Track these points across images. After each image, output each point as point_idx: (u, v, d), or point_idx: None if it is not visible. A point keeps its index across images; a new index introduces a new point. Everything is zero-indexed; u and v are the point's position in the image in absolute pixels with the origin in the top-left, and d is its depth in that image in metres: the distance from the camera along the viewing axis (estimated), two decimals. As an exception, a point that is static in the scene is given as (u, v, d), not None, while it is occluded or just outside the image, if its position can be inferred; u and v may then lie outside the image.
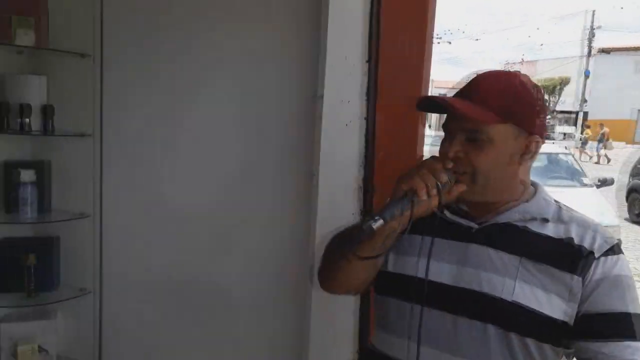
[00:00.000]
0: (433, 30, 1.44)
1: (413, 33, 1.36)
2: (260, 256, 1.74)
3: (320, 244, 1.51)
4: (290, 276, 1.70)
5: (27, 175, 1.83)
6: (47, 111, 1.84)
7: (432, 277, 0.94)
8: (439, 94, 1.12)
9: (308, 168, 1.59)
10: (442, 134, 0.96)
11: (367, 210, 1.45)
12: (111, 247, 1.97)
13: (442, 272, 0.94)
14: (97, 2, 1.81)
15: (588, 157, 17.58)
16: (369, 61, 1.46)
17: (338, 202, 1.50)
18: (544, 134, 0.95)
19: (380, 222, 0.84)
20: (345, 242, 0.99)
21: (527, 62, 28.77)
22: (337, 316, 1.52)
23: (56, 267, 1.98)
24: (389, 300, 1.01)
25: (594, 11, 26.27)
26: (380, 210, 0.86)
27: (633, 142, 22.03)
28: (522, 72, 1.01)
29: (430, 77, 1.54)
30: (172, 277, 1.89)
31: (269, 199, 1.72)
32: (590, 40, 26.04)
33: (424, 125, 1.47)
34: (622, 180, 8.83)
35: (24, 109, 1.79)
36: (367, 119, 1.47)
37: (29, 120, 1.81)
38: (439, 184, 0.88)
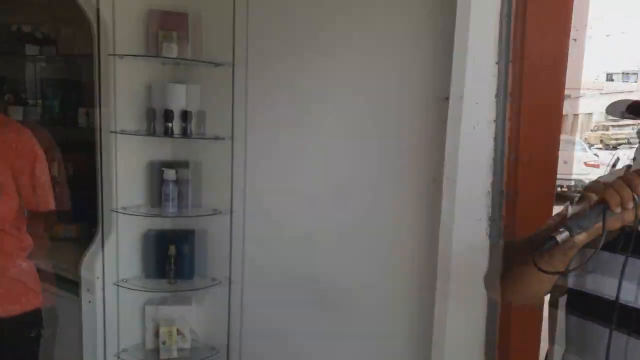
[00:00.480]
0: (570, 30, 1.35)
1: (556, 34, 1.29)
2: (384, 261, 1.74)
3: (444, 250, 1.50)
4: (413, 282, 1.68)
5: (169, 174, 2.03)
6: (186, 116, 2.02)
7: (626, 299, 0.87)
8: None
9: (433, 171, 1.56)
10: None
11: (500, 216, 1.40)
12: (242, 241, 2.11)
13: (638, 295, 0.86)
14: (232, 16, 1.95)
15: None
16: (498, 62, 1.41)
17: (463, 207, 1.46)
18: None
19: (565, 234, 0.79)
20: (526, 249, 0.94)
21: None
22: (464, 325, 1.48)
23: (193, 259, 2.17)
24: (582, 322, 0.94)
25: None
26: (566, 222, 0.81)
27: None
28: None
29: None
30: (301, 273, 1.97)
31: (394, 204, 1.72)
32: None
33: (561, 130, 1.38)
34: None
35: (168, 114, 1.99)
36: (497, 121, 1.42)
37: (172, 125, 2.01)
38: (636, 197, 0.80)
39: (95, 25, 1.87)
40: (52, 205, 1.65)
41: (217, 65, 2.02)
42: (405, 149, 1.68)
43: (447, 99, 1.48)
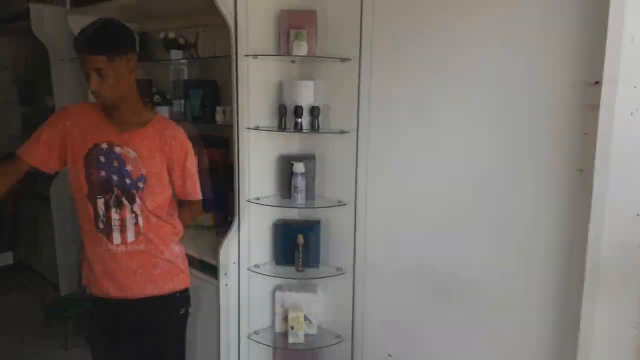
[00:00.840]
0: None
1: None
2: (520, 256, 1.67)
3: (594, 249, 1.39)
4: (554, 280, 1.58)
5: (299, 167, 2.12)
6: (314, 112, 2.10)
7: None
8: None
9: (577, 163, 1.46)
10: None
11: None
12: (366, 233, 2.15)
13: None
14: (359, 12, 1.98)
15: None
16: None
17: (616, 202, 1.34)
18: None
19: None
20: None
21: None
22: (615, 328, 1.37)
23: (318, 248, 2.25)
24: None
25: None
26: None
27: None
28: None
29: None
30: (425, 264, 1.96)
31: (530, 195, 1.63)
32: None
33: None
34: None
35: (298, 110, 2.08)
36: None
37: (301, 120, 2.09)
38: None
39: (233, 29, 2.01)
40: (200, 195, 1.81)
41: (343, 60, 2.06)
42: (543, 138, 1.58)
43: (597, 83, 1.37)
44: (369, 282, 2.17)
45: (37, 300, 3.51)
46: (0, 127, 4.26)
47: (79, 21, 2.87)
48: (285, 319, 2.26)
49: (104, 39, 1.53)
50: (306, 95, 2.12)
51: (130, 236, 1.67)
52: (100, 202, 1.64)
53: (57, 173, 1.87)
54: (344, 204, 2.16)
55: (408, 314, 2.05)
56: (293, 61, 2.21)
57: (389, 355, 2.12)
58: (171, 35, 2.55)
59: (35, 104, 3.93)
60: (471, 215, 1.81)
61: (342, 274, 2.20)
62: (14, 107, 4.24)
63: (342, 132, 2.11)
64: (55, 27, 3.14)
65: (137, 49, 1.73)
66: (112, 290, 1.70)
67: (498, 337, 1.77)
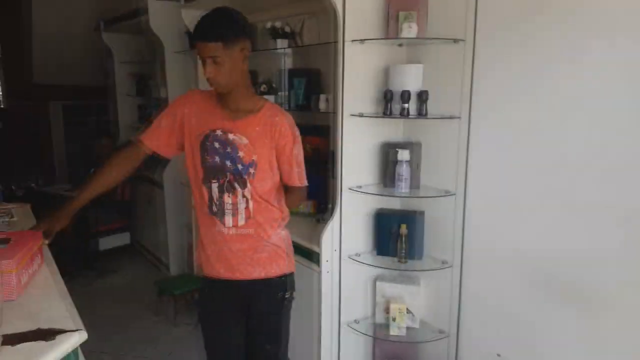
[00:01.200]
0: None
1: None
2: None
3: None
4: None
5: (404, 155, 2.06)
6: (422, 97, 2.02)
7: None
8: None
9: None
10: None
11: None
12: (474, 225, 2.04)
13: None
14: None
15: None
16: None
17: None
18: None
19: None
20: None
21: None
22: None
23: (422, 239, 2.18)
24: None
25: None
26: None
27: None
28: None
29: None
30: (537, 262, 1.83)
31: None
32: None
33: None
34: None
35: (405, 95, 2.01)
36: None
37: (408, 106, 2.02)
38: None
39: (341, 14, 1.98)
40: (306, 182, 1.81)
41: (456, 41, 1.96)
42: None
43: None
44: (476, 276, 2.06)
45: (151, 278, 3.79)
46: (120, 117, 4.65)
47: (193, 15, 3.02)
48: (387, 310, 2.22)
49: (220, 27, 1.57)
50: (414, 79, 2.05)
51: (241, 220, 1.72)
52: (215, 187, 1.70)
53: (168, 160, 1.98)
54: (452, 194, 2.06)
55: (519, 315, 1.91)
56: (400, 44, 2.14)
57: (498, 355, 2.01)
58: (278, 24, 2.59)
59: (149, 95, 4.22)
60: (594, 208, 1.64)
61: (448, 267, 2.11)
62: (131, 99, 4.60)
63: (452, 117, 2.01)
64: (170, 21, 3.34)
65: (252, 37, 1.77)
66: (223, 272, 1.77)
67: (624, 348, 1.60)
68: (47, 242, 1.64)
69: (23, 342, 1.09)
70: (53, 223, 1.66)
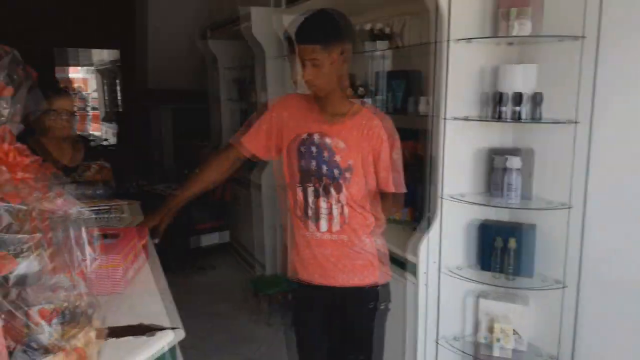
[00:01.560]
0: None
1: None
2: None
3: None
4: None
5: (514, 162, 1.89)
6: (536, 99, 1.84)
7: None
8: None
9: None
10: None
11: None
12: (594, 241, 1.81)
13: None
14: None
15: None
16: None
17: None
18: None
19: None
20: None
21: None
22: None
23: (533, 255, 1.98)
24: None
25: None
26: None
27: None
28: None
29: None
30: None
31: None
32: None
33: None
34: None
35: (516, 98, 1.84)
36: None
37: (519, 109, 1.85)
38: None
39: (446, 12, 1.87)
40: (403, 188, 1.72)
41: (576, 38, 1.76)
42: None
43: None
44: (595, 298, 1.84)
45: (247, 276, 3.90)
46: (224, 121, 4.86)
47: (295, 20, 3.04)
48: (490, 329, 2.05)
49: (321, 30, 1.54)
50: (527, 80, 1.87)
51: (336, 225, 1.67)
52: (310, 190, 1.67)
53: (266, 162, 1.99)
54: (568, 207, 1.85)
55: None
56: (511, 43, 1.97)
57: (619, 392, 1.77)
58: (379, 25, 2.52)
59: (250, 100, 4.35)
60: None
61: (563, 287, 1.90)
62: (232, 103, 4.79)
63: (570, 122, 1.81)
64: (271, 27, 3.40)
65: (354, 41, 1.72)
66: (317, 277, 1.73)
67: None
68: (156, 241, 1.72)
69: (127, 335, 1.13)
70: (156, 220, 1.73)
